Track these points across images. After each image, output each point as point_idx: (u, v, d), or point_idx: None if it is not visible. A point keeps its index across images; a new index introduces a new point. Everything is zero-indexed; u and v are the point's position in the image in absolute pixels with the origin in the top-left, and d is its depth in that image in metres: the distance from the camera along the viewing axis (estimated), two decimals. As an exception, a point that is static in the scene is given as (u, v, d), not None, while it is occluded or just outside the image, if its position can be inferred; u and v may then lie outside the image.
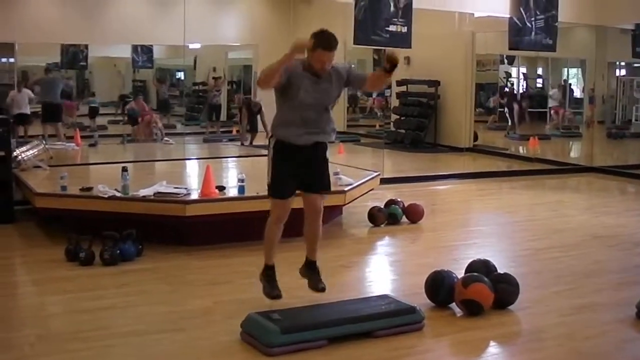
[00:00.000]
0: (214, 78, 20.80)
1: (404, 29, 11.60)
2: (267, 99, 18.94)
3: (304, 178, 5.58)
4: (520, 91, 20.73)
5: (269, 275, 5.75)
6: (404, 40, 11.70)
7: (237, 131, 18.62)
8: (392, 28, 11.48)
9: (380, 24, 11.41)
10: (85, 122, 19.60)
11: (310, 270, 5.84)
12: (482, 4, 13.33)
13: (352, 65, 5.77)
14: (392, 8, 11.42)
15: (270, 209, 5.67)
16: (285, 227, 5.69)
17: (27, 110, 15.19)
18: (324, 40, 5.32)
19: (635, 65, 18.46)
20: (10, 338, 5.12)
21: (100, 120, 19.87)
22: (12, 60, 19.26)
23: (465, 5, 13.60)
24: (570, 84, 20.62)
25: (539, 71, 21.46)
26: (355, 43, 11.76)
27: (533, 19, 12.90)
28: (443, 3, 12.99)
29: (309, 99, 5.43)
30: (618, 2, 14.24)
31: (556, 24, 13.22)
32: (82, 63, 20.27)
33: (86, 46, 19.68)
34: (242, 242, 7.41)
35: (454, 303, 5.67)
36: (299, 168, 5.53)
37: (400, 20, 11.51)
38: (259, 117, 17.43)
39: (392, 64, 5.28)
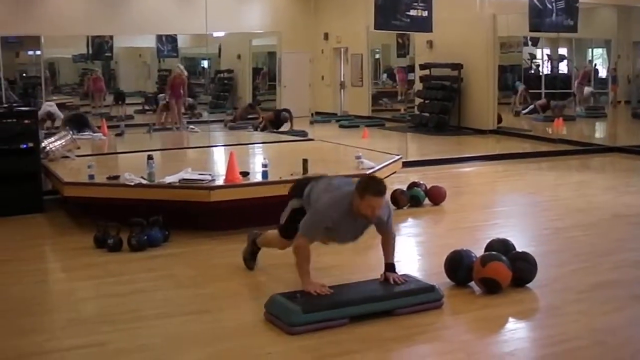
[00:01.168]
0: (249, 104, 20.71)
1: (425, 13, 11.67)
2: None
3: None
4: (545, 72, 20.67)
5: (254, 250, 6.46)
6: (425, 25, 11.78)
7: (262, 118, 18.68)
8: (412, 12, 11.56)
9: (400, 8, 11.49)
10: (111, 112, 19.86)
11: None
12: (502, -15, 13.37)
13: (391, 214, 5.66)
14: (412, -7, 11.52)
15: (276, 240, 6.06)
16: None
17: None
18: (375, 187, 5.19)
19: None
20: (43, 321, 5.30)
21: (126, 110, 20.12)
22: (38, 52, 19.58)
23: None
24: (595, 64, 20.54)
25: (564, 52, 21.39)
26: (376, 28, 11.87)
27: (553, 0, 12.92)
28: (462, -14, 13.04)
29: (348, 236, 5.59)
30: (640, -20, 14.23)
31: (577, 4, 13.23)
32: (107, 54, 20.56)
33: (111, 37, 19.93)
34: (266, 226, 7.51)
35: (473, 282, 5.79)
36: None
37: (421, 4, 11.59)
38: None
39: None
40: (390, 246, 5.61)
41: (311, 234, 5.35)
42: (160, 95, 19.70)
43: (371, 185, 5.21)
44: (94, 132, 13.06)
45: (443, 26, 12.36)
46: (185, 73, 18.49)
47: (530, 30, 13.67)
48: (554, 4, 12.94)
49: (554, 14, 13.00)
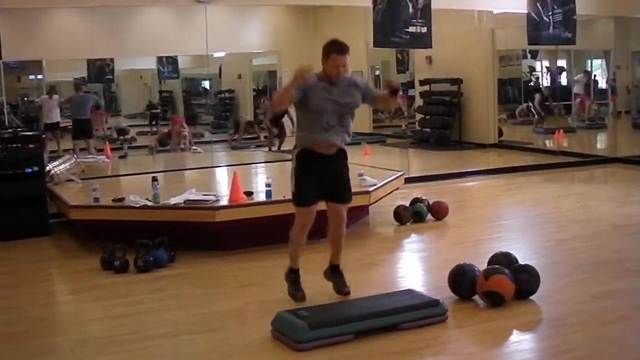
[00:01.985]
0: (248, 122, 20.81)
1: (424, 29, 11.75)
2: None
3: (327, 187, 5.84)
4: (545, 84, 20.81)
5: (293, 277, 6.06)
6: (424, 41, 11.87)
7: (265, 137, 18.81)
8: (411, 29, 11.64)
9: (399, 25, 11.57)
10: (114, 134, 19.90)
11: (335, 274, 6.10)
12: (499, 1, 13.44)
13: (368, 81, 6.01)
14: (410, 9, 11.58)
15: (296, 216, 5.93)
16: (310, 229, 5.93)
17: (58, 117, 15.56)
18: (336, 45, 5.70)
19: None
20: (52, 343, 5.38)
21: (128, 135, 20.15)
22: (40, 76, 19.69)
23: (482, 3, 13.73)
24: (594, 75, 20.65)
25: (563, 64, 21.50)
26: (375, 45, 11.94)
27: (550, 13, 13.02)
28: (460, 2, 13.13)
29: (326, 104, 5.70)
30: (635, -9, 14.33)
31: (574, 17, 13.32)
32: (108, 76, 20.60)
33: (112, 60, 20.00)
34: (271, 245, 7.62)
35: (476, 295, 5.86)
36: (322, 177, 5.79)
37: (420, 20, 11.67)
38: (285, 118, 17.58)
39: (392, 90, 5.72)
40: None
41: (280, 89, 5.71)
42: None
43: (333, 45, 5.71)
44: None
45: (442, 42, 12.43)
46: None
47: (529, 44, 13.76)
48: (551, 17, 13.04)
49: (551, 27, 13.09)
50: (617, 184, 12.91)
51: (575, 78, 20.11)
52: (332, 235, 6.05)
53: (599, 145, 18.60)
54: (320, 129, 5.72)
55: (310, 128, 5.78)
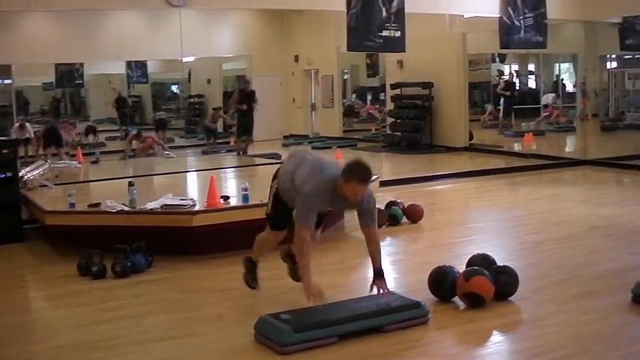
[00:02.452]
0: (213, 109, 20.84)
1: (398, 34, 11.80)
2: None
3: None
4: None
5: (251, 268, 6.29)
6: (398, 45, 11.92)
7: (235, 142, 18.81)
8: (385, 33, 11.68)
9: (373, 29, 11.60)
10: (83, 140, 19.74)
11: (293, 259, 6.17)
12: (471, 4, 13.52)
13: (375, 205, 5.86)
14: (384, 13, 11.63)
15: (266, 230, 6.14)
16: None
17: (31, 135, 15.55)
18: (360, 173, 5.34)
19: (626, 57, 18.67)
20: (35, 350, 5.34)
21: (98, 137, 20.01)
22: (8, 81, 19.49)
23: (454, 7, 13.80)
24: (562, 79, 20.86)
25: (531, 67, 21.68)
26: (349, 49, 11.95)
27: (522, 17, 13.15)
28: (433, 6, 13.18)
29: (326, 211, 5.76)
30: (605, -4, 14.50)
31: (545, 21, 13.46)
32: (77, 81, 20.45)
33: (81, 64, 19.86)
34: (247, 249, 7.55)
35: (456, 297, 5.90)
36: None
37: (393, 25, 11.71)
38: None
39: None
40: (376, 246, 5.68)
41: (308, 220, 5.41)
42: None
43: (357, 171, 5.34)
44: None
45: (413, 46, 12.44)
46: None
47: (501, 48, 13.86)
48: (522, 21, 13.16)
49: (522, 31, 13.21)
50: (588, 186, 13.04)
51: (543, 98, 20.31)
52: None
53: (568, 148, 18.77)
54: None
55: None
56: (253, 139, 17.88)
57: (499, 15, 13.21)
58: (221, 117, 20.34)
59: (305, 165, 5.67)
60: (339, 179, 5.35)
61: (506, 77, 20.57)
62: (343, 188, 5.33)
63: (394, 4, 11.73)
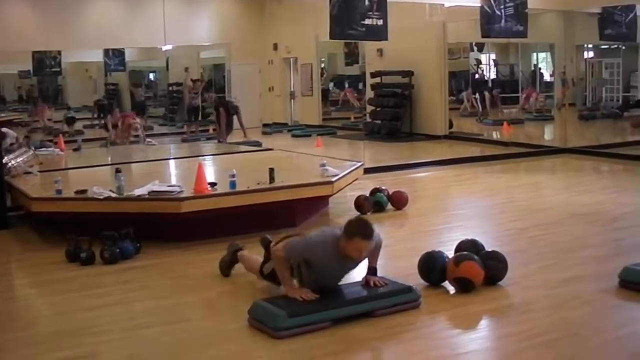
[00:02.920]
0: (192, 80, 20.88)
1: (380, 22, 11.87)
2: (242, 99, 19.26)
3: None
4: (491, 77, 21.12)
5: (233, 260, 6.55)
6: (380, 33, 11.99)
7: (214, 130, 18.82)
8: (367, 22, 11.75)
9: (355, 18, 11.66)
10: (63, 128, 19.66)
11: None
12: (453, -7, 13.62)
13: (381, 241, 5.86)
14: (367, 2, 11.70)
15: (254, 270, 6.17)
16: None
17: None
18: (363, 230, 5.25)
19: (603, 47, 18.87)
20: (27, 336, 5.33)
21: (75, 125, 19.94)
22: (-15, 68, 19.38)
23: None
24: (540, 68, 21.02)
25: (509, 57, 21.82)
26: (331, 38, 12.01)
27: (502, 6, 13.24)
28: (415, -5, 13.27)
29: (332, 282, 5.57)
30: (584, -14, 14.62)
31: (526, 10, 13.55)
32: (55, 69, 20.34)
33: (59, 52, 19.74)
34: (236, 235, 7.63)
35: (446, 282, 5.96)
36: None
37: (376, 13, 11.78)
38: (235, 117, 17.79)
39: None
40: (376, 251, 5.66)
41: (290, 253, 5.37)
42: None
43: (359, 228, 5.26)
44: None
45: (393, 34, 12.48)
46: None
47: (482, 37, 13.98)
48: (502, 11, 13.25)
49: (503, 20, 13.30)
50: (568, 173, 13.16)
51: (521, 70, 20.46)
52: None
53: (547, 137, 18.93)
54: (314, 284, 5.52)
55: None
56: (233, 128, 17.92)
57: (480, 5, 13.29)
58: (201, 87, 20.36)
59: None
60: (341, 238, 5.24)
61: (484, 70, 20.78)
62: (346, 247, 5.22)
63: (377, -8, 11.79)
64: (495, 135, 18.07)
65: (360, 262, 5.51)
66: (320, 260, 5.32)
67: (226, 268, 6.57)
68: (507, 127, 16.77)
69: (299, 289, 5.40)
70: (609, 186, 11.35)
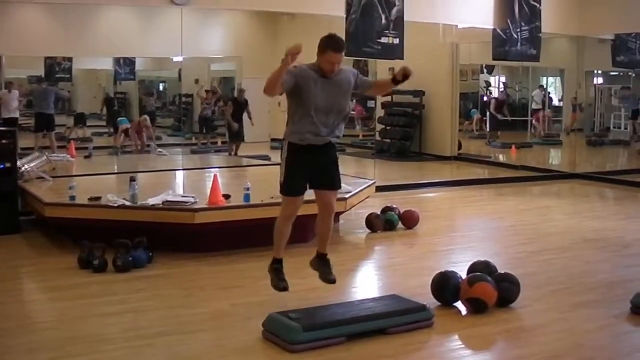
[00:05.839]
0: (206, 91, 20.91)
1: (396, 41, 11.90)
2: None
3: (316, 176, 5.83)
4: (500, 98, 21.14)
5: (277, 268, 6.01)
6: (396, 52, 12.00)
7: (224, 142, 18.83)
8: (383, 40, 11.78)
9: (371, 36, 11.69)
10: (72, 134, 19.64)
11: (322, 263, 6.11)
12: (468, 15, 13.62)
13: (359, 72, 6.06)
14: (383, 20, 11.73)
15: (282, 206, 5.95)
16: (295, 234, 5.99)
17: (16, 114, 15.35)
18: (333, 42, 5.64)
19: (612, 73, 18.91)
20: (44, 340, 5.35)
21: (86, 132, 19.93)
22: (-4, 72, 19.40)
23: (451, 17, 13.89)
24: (549, 93, 21.06)
25: (519, 80, 21.85)
26: (346, 55, 11.98)
27: (519, 30, 13.28)
28: (432, 15, 13.28)
29: (321, 101, 5.65)
30: (598, 13, 14.63)
31: (539, 34, 13.61)
32: (65, 75, 20.37)
33: (70, 59, 19.78)
34: (249, 248, 7.69)
35: (459, 301, 5.98)
36: (311, 167, 5.78)
37: (392, 32, 11.81)
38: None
39: (405, 77, 5.66)
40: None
41: (285, 77, 5.49)
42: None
43: (329, 41, 5.64)
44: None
45: (406, 54, 12.50)
46: None
47: (494, 59, 14.01)
48: (519, 34, 13.30)
49: (519, 43, 13.34)
50: (578, 198, 13.20)
51: (532, 94, 20.46)
52: (319, 224, 6.05)
53: (555, 161, 18.96)
54: (311, 124, 5.69)
55: (300, 123, 5.72)
56: (244, 138, 17.93)
57: (492, 27, 13.35)
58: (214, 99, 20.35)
59: None
60: (317, 54, 5.65)
61: (495, 94, 20.80)
62: (321, 62, 5.62)
63: (394, 11, 11.84)
64: (502, 158, 18.09)
65: (333, 77, 5.67)
66: (305, 77, 5.61)
67: (279, 281, 5.98)
68: (514, 150, 16.82)
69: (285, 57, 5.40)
70: (619, 212, 11.39)
